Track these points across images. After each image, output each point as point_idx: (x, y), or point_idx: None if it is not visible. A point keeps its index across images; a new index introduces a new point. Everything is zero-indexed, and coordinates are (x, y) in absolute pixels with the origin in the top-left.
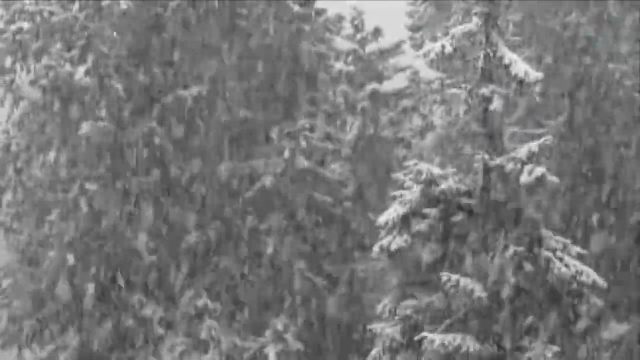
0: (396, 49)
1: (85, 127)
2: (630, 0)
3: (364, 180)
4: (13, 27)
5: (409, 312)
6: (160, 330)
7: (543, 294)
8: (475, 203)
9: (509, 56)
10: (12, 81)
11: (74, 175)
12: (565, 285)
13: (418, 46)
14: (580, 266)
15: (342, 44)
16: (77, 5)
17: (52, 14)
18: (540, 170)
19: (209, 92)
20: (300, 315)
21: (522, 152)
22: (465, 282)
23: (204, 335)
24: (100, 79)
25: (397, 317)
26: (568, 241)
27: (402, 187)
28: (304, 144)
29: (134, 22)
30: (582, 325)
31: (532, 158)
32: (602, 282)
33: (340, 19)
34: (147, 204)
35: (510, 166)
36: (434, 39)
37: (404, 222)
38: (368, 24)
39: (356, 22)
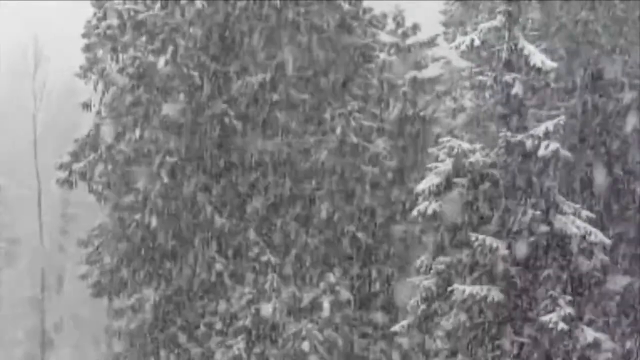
0: (432, 41)
1: (165, 109)
2: (632, 0)
3: (404, 154)
4: (104, 23)
5: (442, 267)
6: (229, 282)
7: (557, 251)
8: (499, 173)
9: (528, 48)
10: (103, 69)
11: (156, 150)
12: (576, 243)
13: (450, 39)
14: (589, 227)
15: (385, 37)
16: (158, 4)
17: (136, 11)
18: (554, 145)
19: (272, 78)
20: (350, 269)
21: (540, 129)
22: (490, 240)
23: (267, 286)
24: (178, 67)
25: (432, 271)
26: (578, 206)
27: (436, 160)
28: (353, 122)
29: (208, 19)
30: (590, 277)
31: (548, 135)
32: (607, 241)
33: (383, 16)
34: (216, 174)
35: (529, 142)
36: (464, 33)
37: (438, 189)
38: (407, 20)
39: (397, 19)
